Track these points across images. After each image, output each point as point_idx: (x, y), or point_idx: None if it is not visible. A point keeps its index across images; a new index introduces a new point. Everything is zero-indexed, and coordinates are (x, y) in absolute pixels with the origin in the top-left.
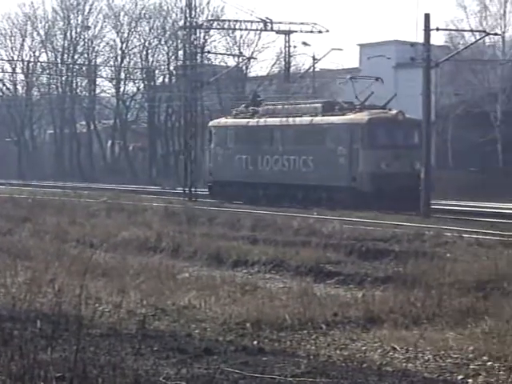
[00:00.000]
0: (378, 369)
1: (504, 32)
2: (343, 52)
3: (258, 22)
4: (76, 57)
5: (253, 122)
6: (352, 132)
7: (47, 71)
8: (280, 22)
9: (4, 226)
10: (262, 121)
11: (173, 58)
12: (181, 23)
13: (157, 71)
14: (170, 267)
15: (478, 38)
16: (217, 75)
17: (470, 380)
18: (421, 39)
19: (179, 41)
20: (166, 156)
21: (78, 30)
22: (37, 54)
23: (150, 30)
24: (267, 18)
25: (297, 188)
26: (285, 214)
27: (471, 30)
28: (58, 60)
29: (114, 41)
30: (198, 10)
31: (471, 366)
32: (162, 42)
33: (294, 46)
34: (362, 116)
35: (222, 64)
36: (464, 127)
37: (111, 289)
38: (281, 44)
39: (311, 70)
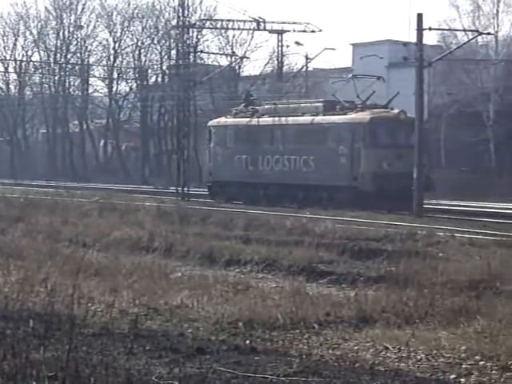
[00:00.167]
0: (370, 368)
1: (497, 31)
2: (336, 51)
3: (250, 21)
4: (69, 56)
5: (253, 121)
6: (353, 131)
7: (40, 71)
8: (273, 22)
9: None
10: (262, 120)
11: (165, 57)
12: (173, 23)
13: (149, 71)
14: (162, 267)
15: (470, 37)
16: (209, 75)
17: (462, 379)
18: (413, 39)
19: (172, 40)
20: (158, 156)
21: (71, 29)
22: (29, 53)
23: (142, 29)
24: (260, 17)
25: (298, 188)
26: (278, 214)
27: (464, 30)
28: (51, 59)
29: (107, 40)
30: (190, 9)
31: (464, 366)
32: (155, 42)
33: (287, 46)
34: (364, 115)
35: (215, 63)
36: (457, 127)
37: (104, 288)
38: (273, 43)
39: (304, 69)
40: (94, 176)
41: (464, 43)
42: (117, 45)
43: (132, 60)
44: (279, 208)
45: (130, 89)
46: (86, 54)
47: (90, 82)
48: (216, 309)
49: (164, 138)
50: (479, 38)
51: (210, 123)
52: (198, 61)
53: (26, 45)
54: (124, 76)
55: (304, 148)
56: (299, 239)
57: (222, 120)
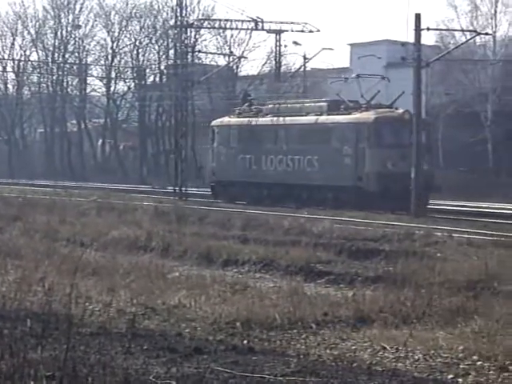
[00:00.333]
0: (367, 368)
1: (495, 32)
2: (334, 52)
3: (248, 21)
4: (67, 56)
5: (256, 121)
6: (358, 131)
7: (38, 70)
8: (271, 22)
9: None
10: (266, 120)
11: (163, 57)
12: (171, 22)
13: (147, 70)
14: (160, 266)
15: (468, 37)
16: (207, 74)
17: (459, 379)
18: (411, 39)
19: (170, 40)
20: (156, 155)
21: (69, 28)
22: (27, 52)
23: (140, 29)
24: (258, 17)
25: (301, 188)
26: (275, 214)
27: (462, 30)
28: (49, 59)
29: (105, 40)
30: (188, 9)
31: (461, 366)
32: (153, 41)
33: (285, 46)
34: (369, 115)
35: (213, 63)
36: (454, 127)
37: (101, 288)
38: (271, 43)
39: (302, 69)
40: (92, 175)
41: (462, 43)
42: (115, 44)
43: (130, 60)
44: (277, 208)
45: (128, 88)
46: (84, 53)
47: (87, 82)
48: (214, 309)
49: (162, 137)
50: (477, 38)
51: (214, 123)
52: (196, 60)
53: (24, 44)
54: (122, 75)
55: (308, 148)
56: (297, 239)
57: (226, 120)
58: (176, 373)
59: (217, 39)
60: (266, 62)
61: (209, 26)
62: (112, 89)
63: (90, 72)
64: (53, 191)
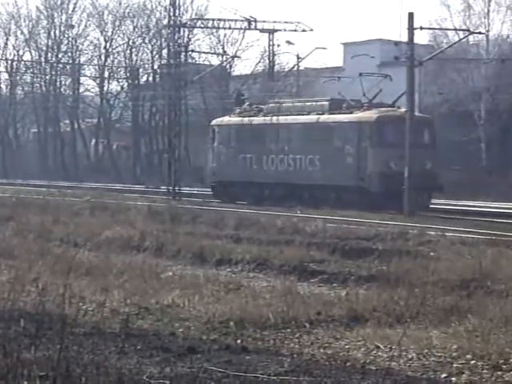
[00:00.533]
0: (361, 367)
1: (488, 31)
2: (327, 51)
3: (241, 20)
4: (60, 55)
5: (257, 120)
6: (360, 130)
7: (31, 70)
8: (264, 21)
9: None
10: (266, 119)
11: (157, 56)
12: (165, 22)
13: (141, 70)
14: (153, 266)
15: (461, 36)
16: (201, 74)
17: (453, 378)
18: (405, 38)
19: (163, 39)
20: (149, 155)
21: (62, 28)
22: (20, 52)
23: (133, 28)
24: (251, 16)
25: (303, 188)
26: (268, 213)
27: (455, 29)
28: (42, 59)
29: (98, 39)
30: (181, 8)
31: (455, 365)
32: (146, 41)
33: (278, 45)
34: (371, 114)
35: (206, 63)
36: (448, 126)
37: (95, 288)
38: (265, 43)
39: (295, 68)
40: (86, 175)
41: (455, 42)
42: (108, 44)
43: (123, 59)
44: (270, 207)
45: (122, 88)
46: (77, 53)
47: (81, 82)
48: (207, 308)
49: (155, 137)
50: (470, 38)
51: (214, 122)
52: (189, 60)
53: (17, 44)
54: (115, 75)
55: (309, 147)
56: (290, 238)
57: (226, 119)
58: (170, 372)
59: (210, 39)
60: (259, 62)
61: (202, 25)
62: (105, 88)
63: (83, 72)
64: (46, 191)
